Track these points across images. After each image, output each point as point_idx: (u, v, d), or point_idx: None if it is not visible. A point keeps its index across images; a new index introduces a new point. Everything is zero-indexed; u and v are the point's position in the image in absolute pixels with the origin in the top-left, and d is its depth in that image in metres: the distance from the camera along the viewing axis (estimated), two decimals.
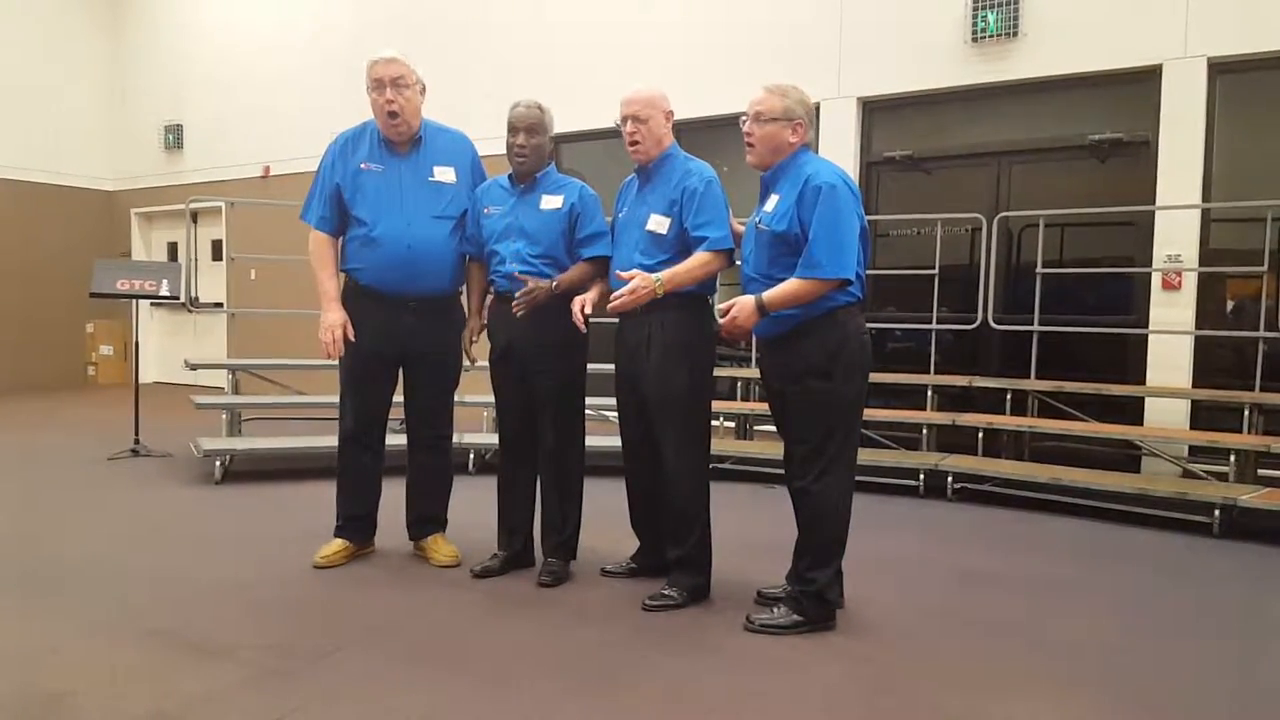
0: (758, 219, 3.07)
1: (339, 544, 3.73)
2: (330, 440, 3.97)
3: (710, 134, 6.67)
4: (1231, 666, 2.87)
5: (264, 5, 9.94)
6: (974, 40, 6.12)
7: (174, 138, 10.67)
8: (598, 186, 3.55)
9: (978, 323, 5.92)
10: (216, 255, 10.34)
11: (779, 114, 3.00)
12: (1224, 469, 4.93)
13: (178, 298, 6.45)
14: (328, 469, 3.96)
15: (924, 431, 5.66)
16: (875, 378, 3.73)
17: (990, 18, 6.03)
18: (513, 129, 3.42)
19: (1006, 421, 5.63)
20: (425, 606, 3.25)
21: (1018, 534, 4.51)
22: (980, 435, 5.58)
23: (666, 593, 3.27)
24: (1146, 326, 5.69)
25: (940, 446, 5.67)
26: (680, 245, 3.23)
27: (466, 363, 3.75)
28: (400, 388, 3.75)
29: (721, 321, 2.98)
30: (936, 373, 6.09)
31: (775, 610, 3.09)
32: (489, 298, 3.63)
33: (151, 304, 10.00)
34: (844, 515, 3.05)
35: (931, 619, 3.23)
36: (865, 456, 4.88)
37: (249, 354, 7.72)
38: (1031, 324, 5.76)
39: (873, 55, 6.55)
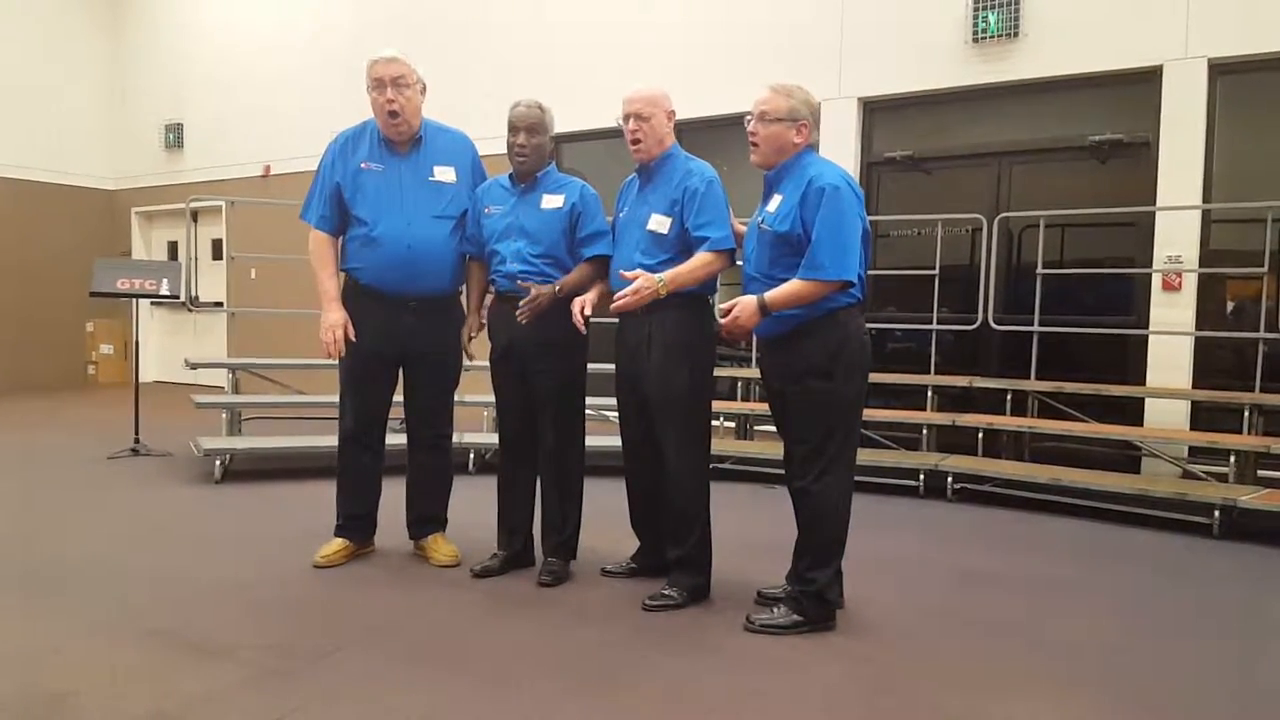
0: (760, 218, 3.07)
1: (339, 543, 3.73)
2: (330, 440, 3.97)
3: (711, 134, 6.67)
4: (1231, 666, 2.87)
5: (264, 5, 9.94)
6: (975, 41, 6.12)
7: (174, 137, 10.67)
8: (598, 186, 3.55)
9: (978, 323, 5.92)
10: (217, 254, 10.34)
11: (784, 114, 3.00)
12: (1224, 470, 4.93)
13: (178, 297, 6.45)
14: (328, 468, 3.96)
15: (924, 432, 5.66)
16: (875, 378, 3.75)
17: (991, 18, 6.03)
18: (513, 128, 3.42)
19: (1006, 422, 5.63)
20: (425, 606, 3.25)
21: (1018, 534, 4.51)
22: (980, 435, 5.58)
23: (666, 593, 3.27)
24: (1147, 327, 5.69)
25: (940, 447, 5.67)
26: (681, 245, 3.23)
27: (466, 361, 3.75)
28: (400, 387, 3.75)
29: (723, 321, 2.98)
30: (937, 373, 6.09)
31: (775, 610, 3.10)
32: (489, 297, 3.63)
33: (152, 303, 9.99)
34: (844, 515, 3.05)
35: (931, 619, 3.23)
36: (865, 456, 4.88)
37: (249, 353, 7.72)
38: (1032, 324, 5.76)
39: (873, 55, 6.55)
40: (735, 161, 5.63)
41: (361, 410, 3.69)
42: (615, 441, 3.55)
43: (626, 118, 3.28)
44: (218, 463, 5.34)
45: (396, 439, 3.82)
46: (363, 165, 3.54)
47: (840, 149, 6.49)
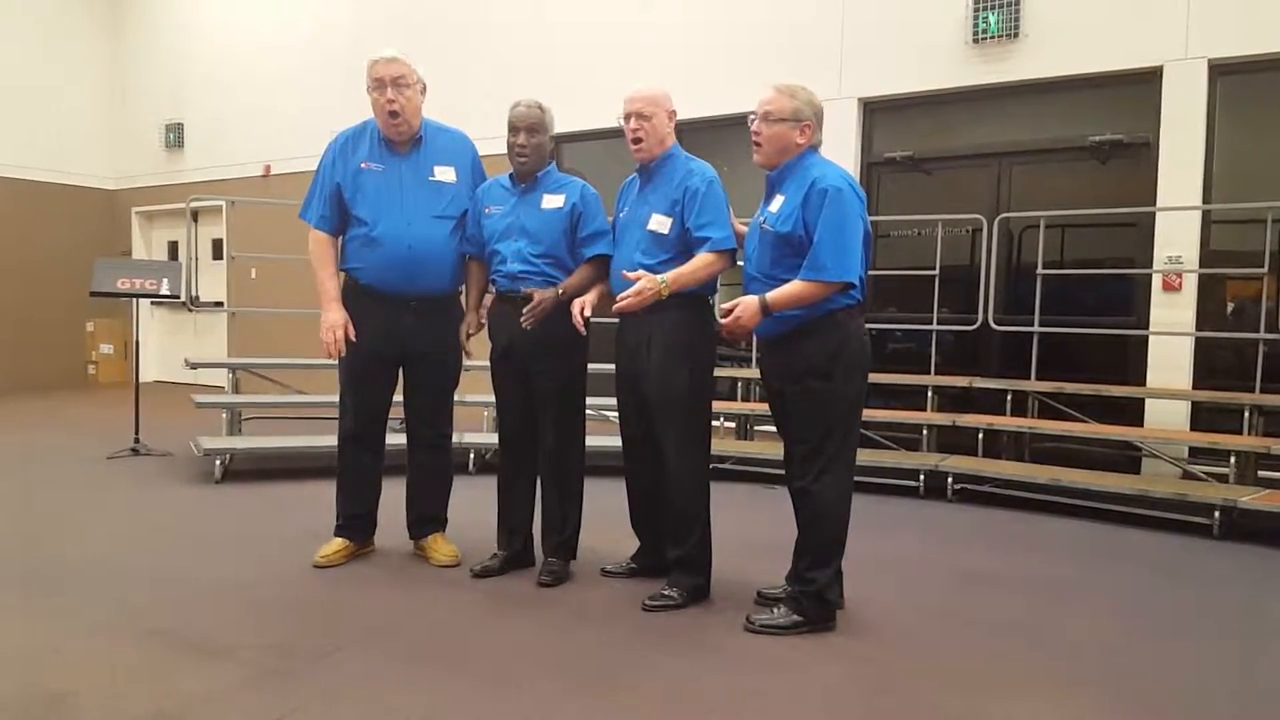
0: (762, 218, 3.08)
1: (339, 543, 3.73)
2: (330, 440, 3.97)
3: (712, 134, 6.67)
4: (1231, 666, 2.87)
5: (265, 5, 9.94)
6: (975, 41, 6.12)
7: (175, 137, 10.67)
8: (599, 186, 3.55)
9: (978, 323, 5.92)
10: (217, 254, 10.34)
11: (787, 115, 3.00)
12: (1224, 470, 4.93)
13: (178, 297, 6.46)
14: (328, 468, 3.96)
15: (924, 432, 5.66)
16: (876, 378, 3.74)
17: (991, 19, 6.03)
18: (513, 128, 3.42)
19: (1007, 422, 5.63)
20: (425, 606, 3.25)
21: (1018, 535, 4.51)
22: (980, 436, 5.58)
23: (666, 593, 3.27)
24: (1147, 328, 5.69)
25: (940, 447, 5.67)
26: (682, 245, 3.23)
27: (465, 361, 3.75)
28: (400, 387, 3.75)
29: (724, 321, 2.98)
30: (937, 373, 6.09)
31: (775, 610, 3.10)
32: (490, 297, 3.63)
33: (152, 303, 9.99)
34: (843, 515, 3.06)
35: (931, 619, 3.23)
36: (866, 457, 4.89)
37: (249, 353, 7.72)
38: (1032, 325, 5.76)
39: (874, 56, 6.54)
40: (735, 162, 5.64)
41: (361, 410, 3.69)
42: (615, 441, 3.55)
43: (628, 117, 3.28)
44: (218, 462, 5.34)
45: (396, 439, 3.82)
46: (363, 165, 3.54)
47: (840, 149, 6.48)
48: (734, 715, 2.46)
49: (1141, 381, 5.71)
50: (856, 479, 3.14)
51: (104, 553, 3.84)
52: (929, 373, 6.10)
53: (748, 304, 2.95)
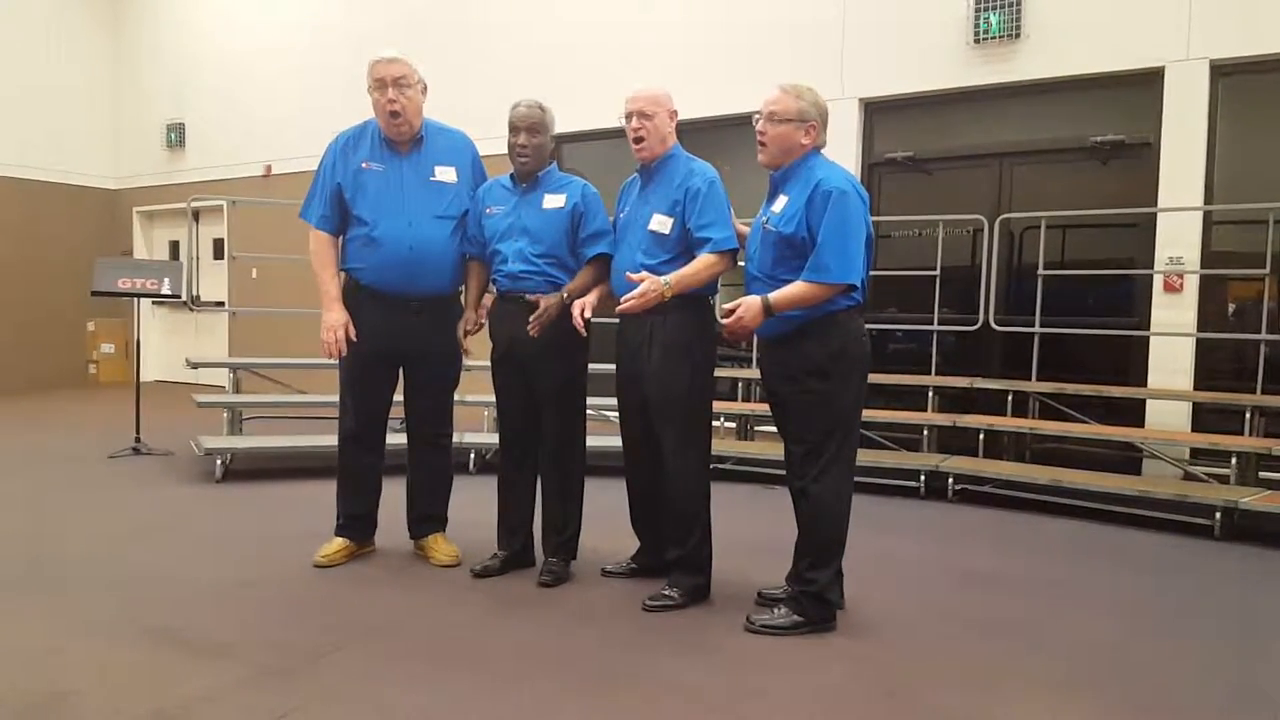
0: (765, 218, 3.08)
1: (339, 543, 3.73)
2: (331, 439, 3.97)
3: (713, 134, 6.66)
4: (1231, 667, 2.87)
5: (266, 5, 9.94)
6: (976, 42, 6.12)
7: (176, 136, 10.68)
8: (599, 187, 3.55)
9: (979, 324, 5.91)
10: (218, 254, 10.34)
11: (793, 115, 3.00)
12: (1225, 471, 4.92)
13: (179, 296, 6.46)
14: (328, 468, 3.96)
15: (925, 432, 5.66)
16: (877, 378, 3.75)
17: (992, 19, 6.02)
18: (514, 129, 3.42)
19: (1007, 423, 5.62)
20: (425, 606, 3.25)
21: (1018, 535, 4.50)
22: (981, 436, 5.58)
23: (667, 593, 3.27)
24: (1148, 328, 5.68)
25: (941, 448, 5.67)
26: (683, 245, 3.23)
27: (466, 361, 3.75)
28: (401, 387, 3.75)
29: (726, 322, 2.98)
30: (938, 374, 6.09)
31: (776, 611, 3.10)
32: (491, 297, 3.63)
33: (153, 302, 10.01)
34: (843, 516, 3.06)
35: (932, 619, 3.23)
36: (866, 457, 4.89)
37: (250, 353, 7.74)
38: (1033, 325, 5.76)
39: (875, 56, 6.54)
40: (736, 162, 5.64)
41: (362, 410, 3.69)
42: (615, 441, 3.54)
43: (630, 115, 3.28)
44: (218, 462, 5.34)
45: (397, 439, 3.82)
46: (364, 165, 3.54)
47: (841, 150, 6.48)
48: (734, 715, 2.46)
49: (1142, 382, 5.70)
50: (857, 479, 3.14)
51: (104, 552, 3.84)
52: (930, 373, 6.10)
53: (750, 304, 2.95)
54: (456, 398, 3.86)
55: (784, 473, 3.20)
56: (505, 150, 3.46)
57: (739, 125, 3.11)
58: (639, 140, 3.28)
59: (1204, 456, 5.30)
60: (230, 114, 10.20)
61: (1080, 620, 3.26)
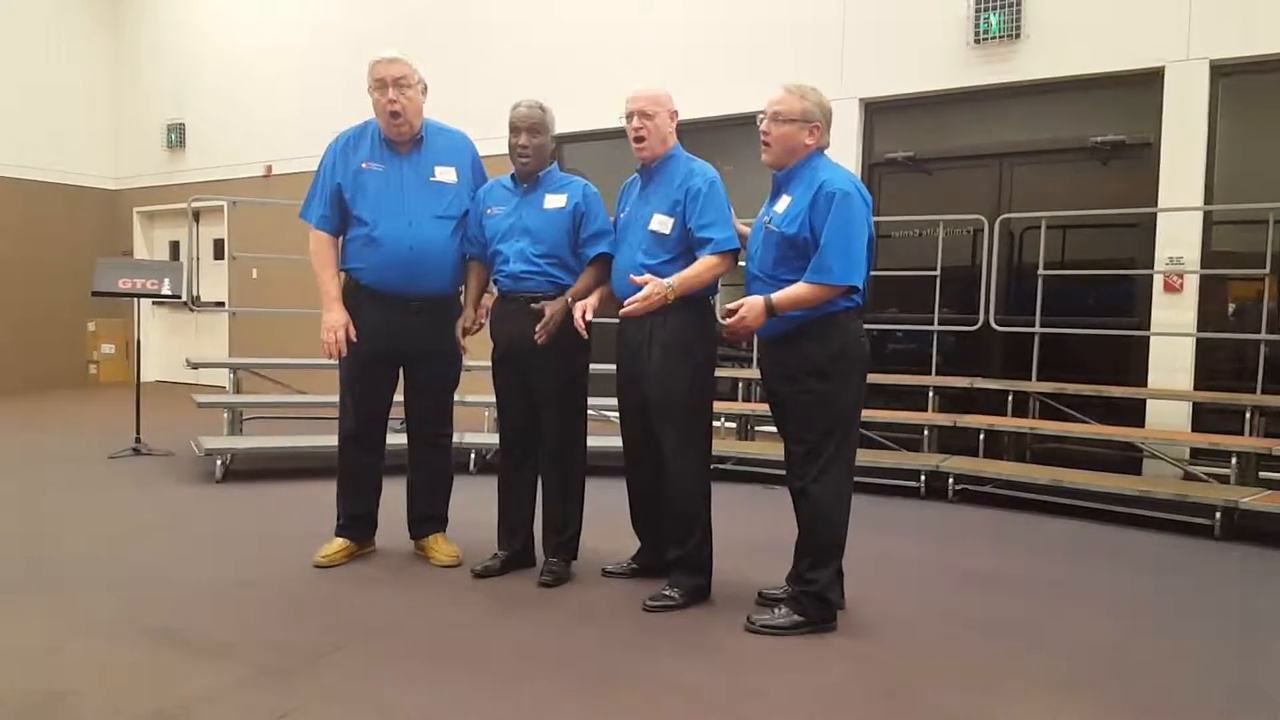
0: (767, 218, 3.08)
1: (340, 543, 3.73)
2: (331, 439, 3.97)
3: (713, 134, 6.66)
4: (1231, 667, 2.87)
5: (266, 5, 9.95)
6: (976, 42, 6.11)
7: (176, 137, 10.68)
8: (600, 187, 3.55)
9: (979, 324, 5.91)
10: (218, 254, 10.34)
11: (797, 115, 3.00)
12: (1225, 471, 4.92)
13: (179, 297, 6.46)
14: (328, 468, 3.96)
15: (925, 432, 5.66)
16: (877, 378, 3.76)
17: (993, 19, 6.02)
18: (514, 129, 3.42)
19: (1008, 423, 5.62)
20: (425, 606, 3.25)
21: (1018, 535, 4.50)
22: (981, 436, 5.58)
23: (667, 593, 3.27)
24: (1148, 328, 5.68)
25: (941, 448, 5.67)
26: (683, 245, 3.23)
27: (465, 361, 3.75)
28: (401, 387, 3.75)
29: (728, 322, 2.98)
30: (938, 374, 6.09)
31: (776, 611, 3.10)
32: (491, 297, 3.63)
33: (153, 303, 10.01)
34: (843, 516, 3.06)
35: (932, 619, 3.23)
36: (866, 457, 4.89)
37: (250, 353, 7.74)
38: (1033, 325, 5.76)
39: (875, 56, 6.54)
40: (736, 162, 5.65)
41: (362, 410, 3.69)
42: (615, 441, 3.54)
43: (630, 115, 3.28)
44: (219, 462, 5.34)
45: (397, 439, 3.82)
46: (364, 165, 3.54)
47: (842, 150, 6.47)
48: (734, 715, 2.46)
49: (1143, 382, 5.70)
50: (857, 479, 3.14)
51: (104, 552, 3.84)
52: (930, 373, 6.10)
53: (752, 304, 2.95)
54: (456, 398, 3.86)
55: (784, 473, 3.20)
56: (505, 150, 3.46)
57: (739, 125, 3.12)
58: (640, 140, 3.28)
59: (1204, 456, 5.30)
60: (230, 114, 10.20)
61: (1080, 620, 3.26)
